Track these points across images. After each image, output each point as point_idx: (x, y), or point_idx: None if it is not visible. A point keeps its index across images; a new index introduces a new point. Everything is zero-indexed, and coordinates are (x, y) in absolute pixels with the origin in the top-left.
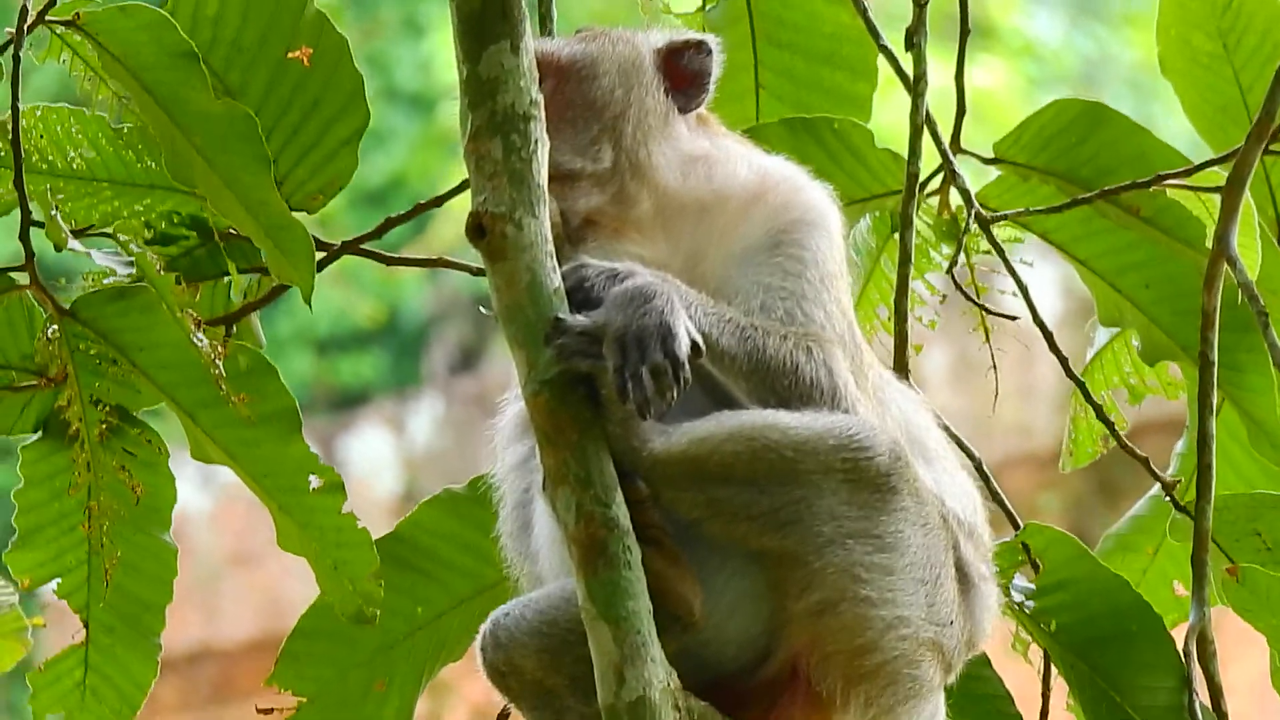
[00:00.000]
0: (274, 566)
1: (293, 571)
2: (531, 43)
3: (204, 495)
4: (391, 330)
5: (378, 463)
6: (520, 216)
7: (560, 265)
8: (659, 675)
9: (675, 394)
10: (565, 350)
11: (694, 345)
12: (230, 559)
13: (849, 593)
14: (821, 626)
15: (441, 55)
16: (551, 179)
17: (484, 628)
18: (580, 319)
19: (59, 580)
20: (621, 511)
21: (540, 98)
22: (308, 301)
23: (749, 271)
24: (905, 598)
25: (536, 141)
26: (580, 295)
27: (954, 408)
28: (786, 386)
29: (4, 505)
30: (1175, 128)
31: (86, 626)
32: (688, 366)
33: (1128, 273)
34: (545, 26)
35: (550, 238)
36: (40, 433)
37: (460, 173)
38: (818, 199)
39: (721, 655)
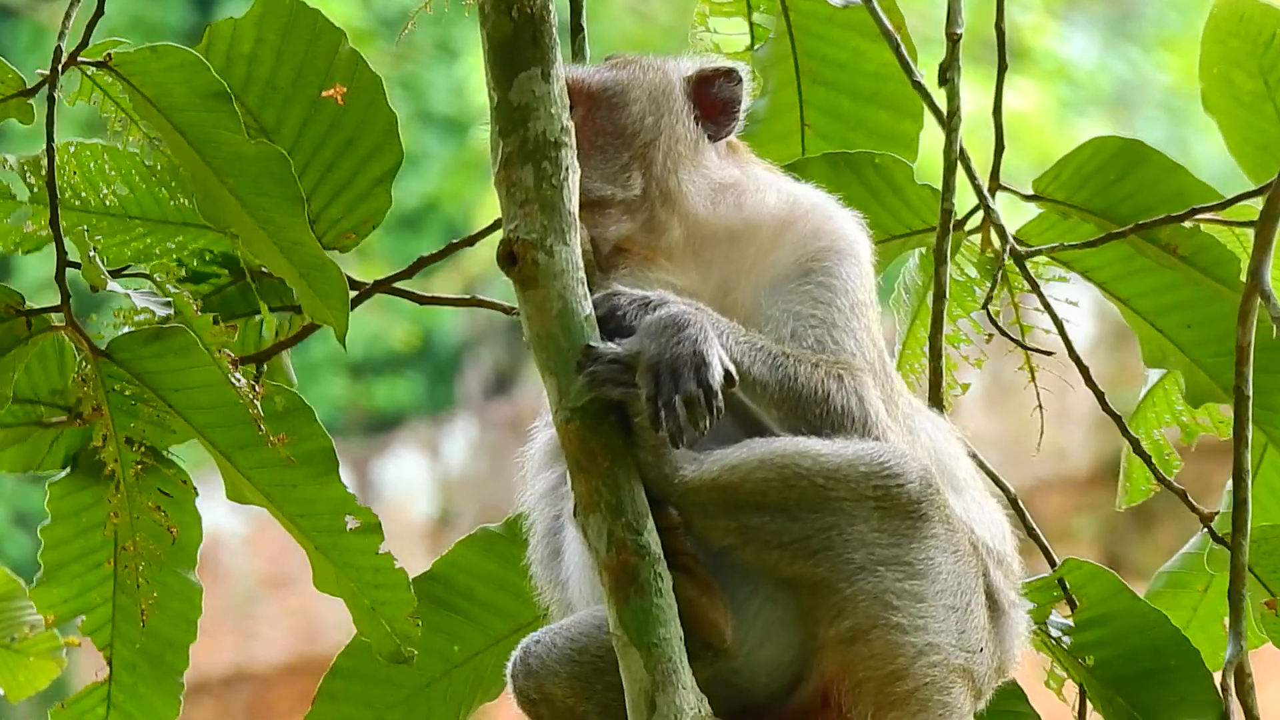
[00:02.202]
0: (308, 590)
1: (327, 595)
2: (562, 70)
3: (238, 519)
4: (426, 354)
5: (412, 486)
6: (551, 244)
7: (591, 293)
8: (690, 702)
9: (708, 423)
10: (597, 378)
11: (727, 374)
12: (264, 582)
13: (880, 619)
14: (853, 653)
15: (474, 79)
16: (582, 206)
17: (515, 654)
18: (612, 347)
19: (83, 617)
20: (653, 539)
21: (571, 125)
22: (342, 343)
23: (779, 299)
24: (936, 624)
25: (567, 169)
26: (612, 323)
27: (988, 431)
28: (818, 414)
29: (32, 533)
30: (1209, 152)
31: (110, 664)
32: (721, 396)
33: (1169, 313)
34: (577, 56)
35: (581, 265)
36: (68, 469)
37: (493, 200)
38: (848, 227)
39: (753, 682)
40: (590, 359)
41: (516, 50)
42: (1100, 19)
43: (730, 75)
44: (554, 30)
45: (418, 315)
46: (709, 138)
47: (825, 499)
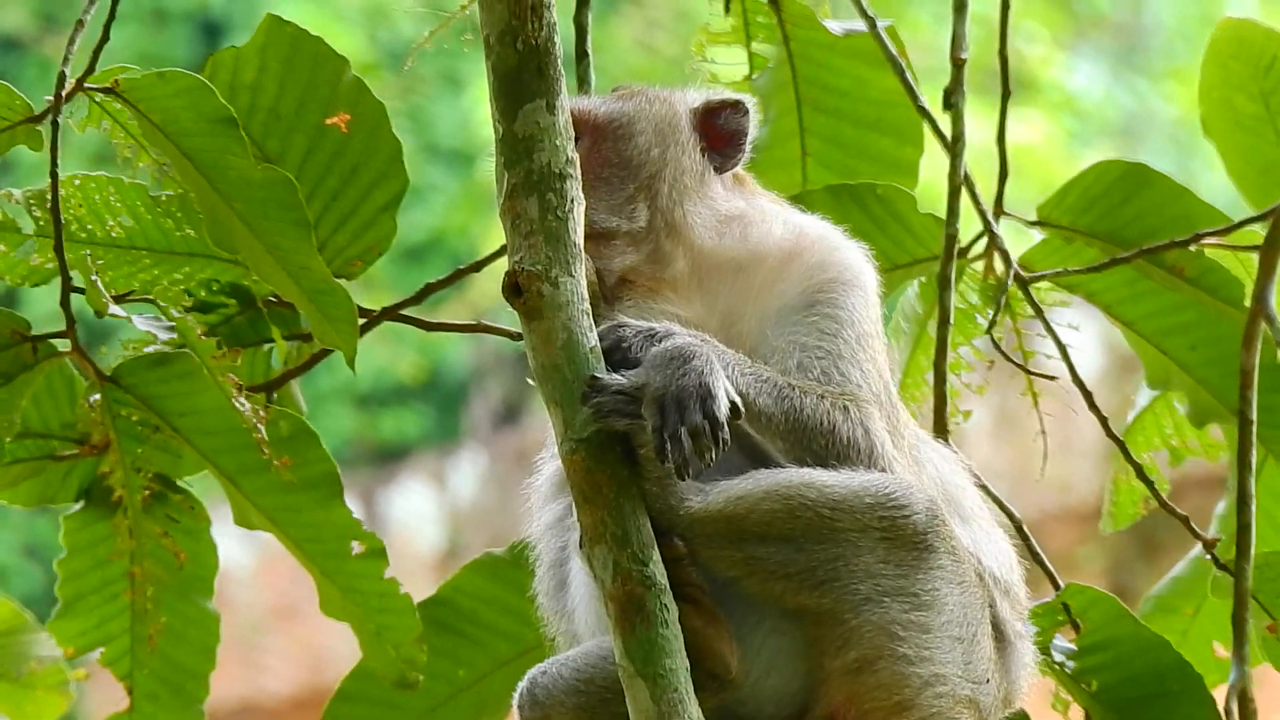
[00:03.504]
0: (317, 622)
1: (336, 627)
2: (567, 101)
3: (246, 551)
4: (433, 386)
5: (420, 518)
6: (556, 275)
7: (596, 324)
8: None
9: (714, 455)
10: (602, 409)
11: (733, 406)
12: (273, 615)
13: (886, 650)
14: (859, 684)
15: (480, 111)
16: (587, 238)
17: (521, 685)
18: (617, 378)
19: (102, 649)
20: (659, 569)
21: (576, 156)
22: (351, 366)
23: (785, 331)
24: (942, 655)
25: (572, 200)
26: (617, 355)
27: (995, 463)
28: (823, 446)
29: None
30: (1216, 183)
31: (130, 694)
32: (727, 428)
33: (1174, 334)
34: (582, 90)
35: (586, 296)
36: (82, 502)
37: (499, 233)
38: (853, 258)
39: (759, 713)
40: (595, 390)
41: (521, 82)
42: (1107, 50)
43: (737, 107)
44: (559, 62)
45: (425, 347)
46: (715, 169)
47: (831, 530)
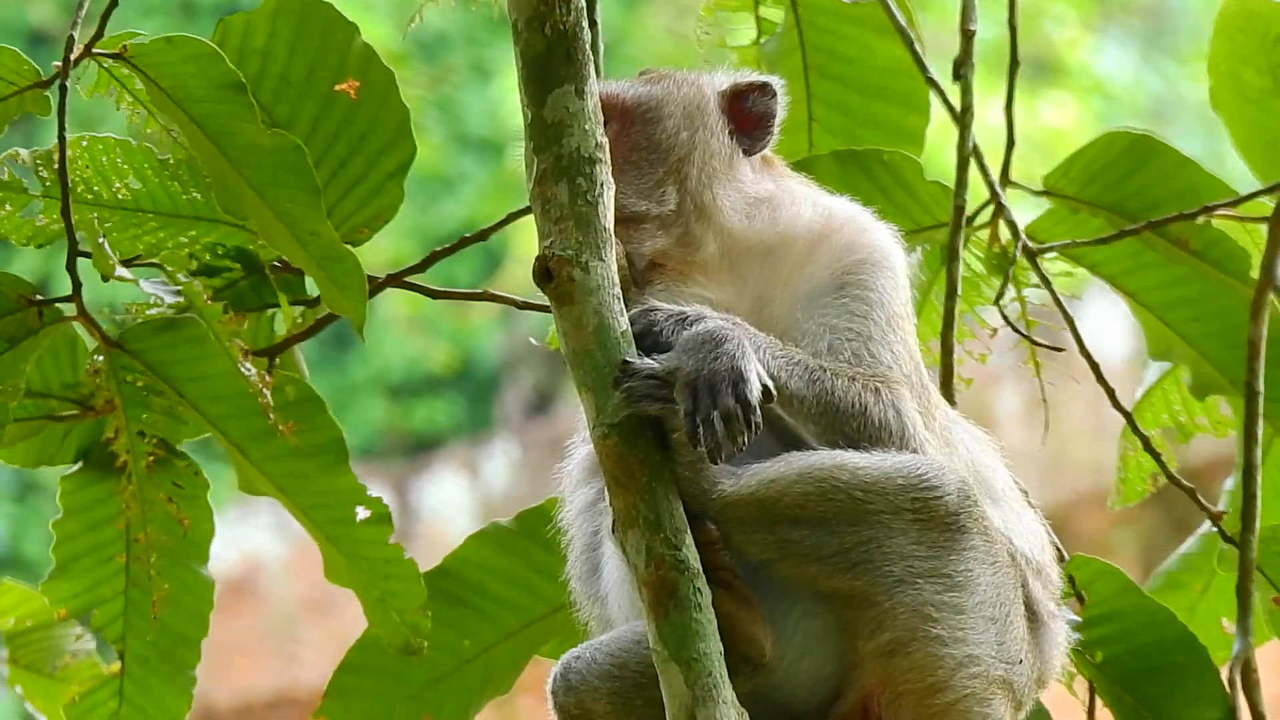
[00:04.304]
0: (352, 613)
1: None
2: (596, 85)
3: (280, 542)
4: (465, 375)
5: (453, 508)
6: (587, 260)
7: (627, 308)
8: (730, 717)
9: (747, 439)
10: (634, 393)
11: (765, 390)
12: (307, 607)
13: (920, 632)
14: (893, 666)
15: (510, 100)
16: (617, 222)
17: (554, 670)
18: (649, 362)
19: (95, 611)
20: (691, 554)
21: (605, 141)
22: (359, 331)
23: (815, 313)
24: (976, 636)
25: (602, 185)
26: (649, 339)
27: (1028, 447)
28: (855, 428)
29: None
30: (1242, 164)
31: (122, 657)
32: (759, 411)
33: (1177, 307)
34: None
35: (617, 281)
36: (80, 464)
37: (530, 222)
38: (882, 240)
39: (793, 696)
40: (627, 375)
41: (550, 67)
42: (1136, 33)
43: (765, 89)
44: (587, 47)
45: (457, 337)
46: (743, 152)
47: (863, 512)
